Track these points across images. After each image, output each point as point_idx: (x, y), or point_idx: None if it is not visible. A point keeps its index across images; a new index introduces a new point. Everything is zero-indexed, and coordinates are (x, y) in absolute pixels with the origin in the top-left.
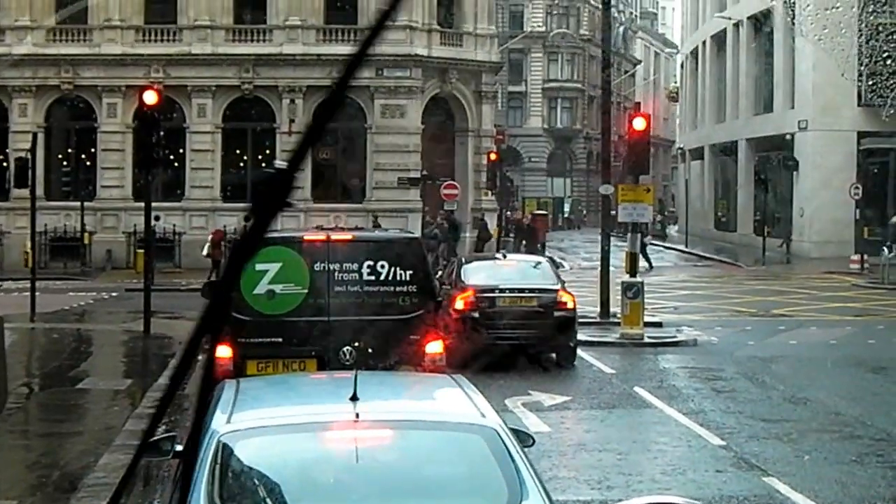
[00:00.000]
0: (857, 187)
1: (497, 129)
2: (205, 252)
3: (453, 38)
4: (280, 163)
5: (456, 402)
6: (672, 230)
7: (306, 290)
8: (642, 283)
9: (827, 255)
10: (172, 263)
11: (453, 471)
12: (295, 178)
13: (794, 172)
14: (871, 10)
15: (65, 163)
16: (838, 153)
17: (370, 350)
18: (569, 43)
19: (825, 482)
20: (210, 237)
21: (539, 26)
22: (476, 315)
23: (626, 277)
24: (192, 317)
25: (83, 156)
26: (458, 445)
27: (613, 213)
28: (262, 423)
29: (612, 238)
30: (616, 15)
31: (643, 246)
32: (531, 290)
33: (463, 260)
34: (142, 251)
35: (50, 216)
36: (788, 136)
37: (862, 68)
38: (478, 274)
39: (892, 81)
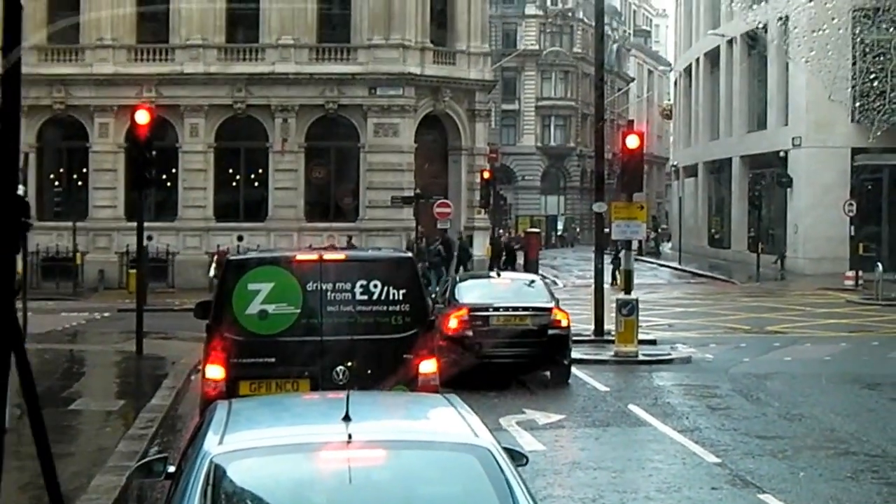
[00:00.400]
0: (851, 204)
1: (490, 147)
2: (212, 273)
3: (446, 57)
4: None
5: (449, 421)
6: (666, 247)
7: (299, 310)
8: (637, 300)
9: (821, 271)
10: (165, 283)
11: (447, 491)
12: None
13: (788, 189)
14: (860, 28)
15: (56, 183)
16: (832, 170)
17: (363, 370)
18: (562, 61)
19: (820, 499)
20: (215, 258)
21: (532, 44)
22: (470, 333)
23: (621, 295)
24: (186, 337)
25: (75, 176)
26: (452, 465)
27: (607, 230)
28: (255, 444)
29: (606, 256)
30: (609, 33)
31: (617, 262)
32: (525, 309)
33: (457, 278)
34: (134, 271)
35: (42, 236)
36: (782, 153)
37: (855, 86)
38: (472, 292)
39: (878, 103)
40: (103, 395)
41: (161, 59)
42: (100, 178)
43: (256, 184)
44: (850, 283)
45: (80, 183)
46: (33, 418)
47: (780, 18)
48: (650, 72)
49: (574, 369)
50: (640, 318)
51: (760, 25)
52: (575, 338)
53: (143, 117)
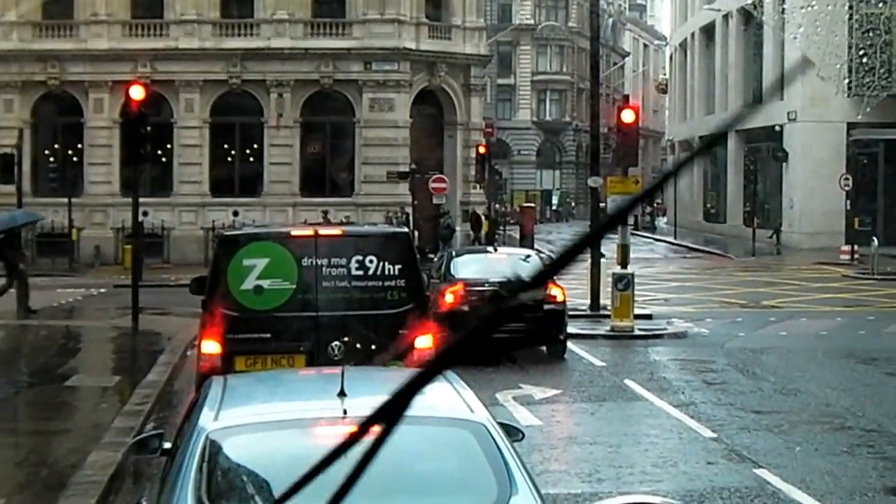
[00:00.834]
0: (846, 178)
1: (486, 122)
2: None
3: (442, 32)
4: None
5: (445, 397)
6: (661, 222)
7: (294, 286)
8: (632, 275)
9: (817, 245)
10: (161, 259)
11: (442, 466)
12: None
13: (784, 164)
14: (852, 4)
15: (51, 158)
16: (827, 144)
17: (358, 345)
18: (558, 35)
19: (816, 473)
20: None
21: (528, 19)
22: (466, 308)
23: (617, 269)
24: (181, 312)
25: (70, 151)
26: (447, 441)
27: (603, 205)
28: (250, 419)
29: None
30: (605, 7)
31: None
32: None
33: (453, 253)
34: (130, 247)
35: (37, 212)
36: (777, 128)
37: (850, 60)
38: (467, 267)
39: (868, 78)
40: (99, 371)
41: (156, 35)
42: (95, 154)
43: (251, 159)
44: (845, 257)
45: (75, 159)
46: None
47: None
48: (645, 46)
49: (570, 344)
50: (635, 292)
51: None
52: (571, 313)
53: (137, 93)
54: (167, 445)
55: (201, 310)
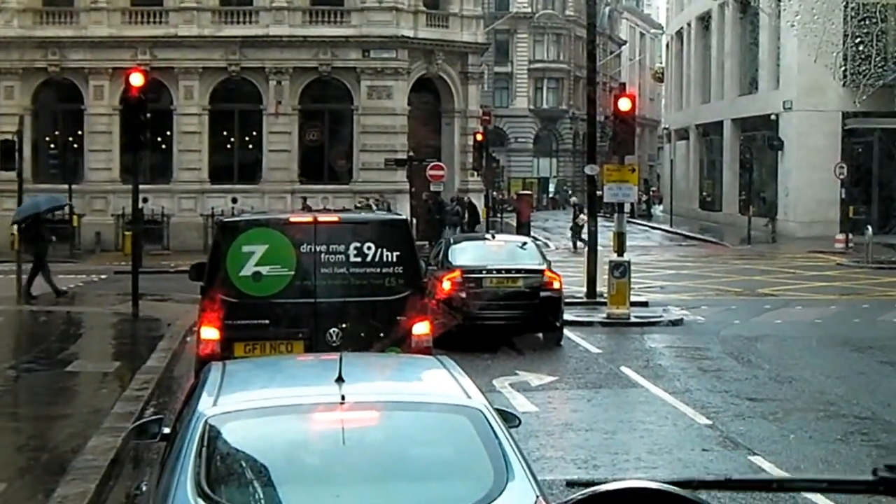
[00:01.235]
0: (841, 167)
1: (483, 109)
2: None
3: (439, 20)
4: None
5: (441, 383)
6: (657, 210)
7: (293, 272)
8: (629, 262)
9: (812, 234)
10: (161, 245)
11: (439, 452)
12: None
13: (779, 152)
14: None
15: (52, 145)
16: (823, 133)
17: (356, 332)
18: (554, 24)
19: (810, 461)
20: None
21: (525, 7)
22: (463, 295)
23: (613, 257)
24: (181, 298)
25: (70, 138)
26: (444, 426)
27: (599, 193)
28: (249, 405)
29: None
30: None
31: (578, 226)
32: (518, 271)
33: (451, 240)
34: (130, 233)
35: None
36: (773, 117)
37: (847, 49)
38: (465, 254)
39: (864, 67)
40: (100, 357)
41: (155, 22)
42: (95, 141)
43: (251, 146)
44: (840, 245)
45: (75, 145)
46: None
47: None
48: (642, 35)
49: (566, 331)
50: (632, 280)
51: None
52: (567, 300)
53: (137, 80)
54: (166, 430)
55: (200, 296)
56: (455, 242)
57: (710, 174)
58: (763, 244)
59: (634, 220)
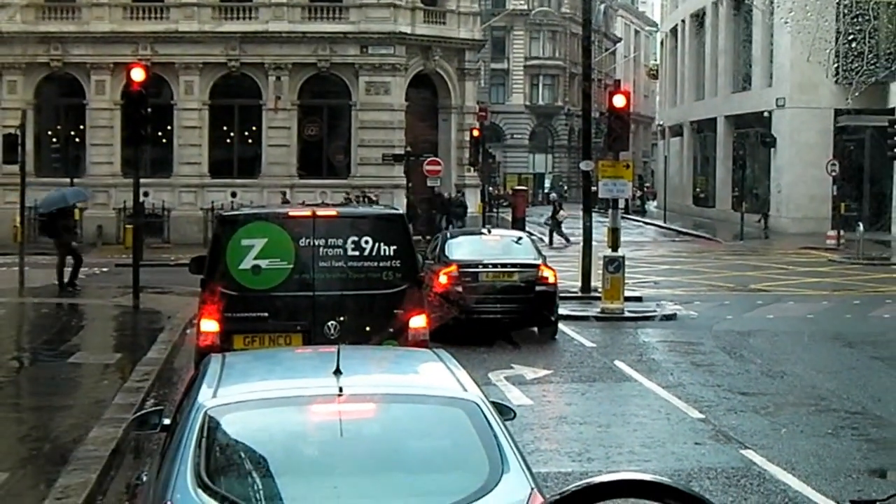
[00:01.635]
0: (833, 164)
1: (480, 105)
2: None
3: (437, 16)
4: None
5: (438, 375)
6: (651, 206)
7: (292, 266)
8: (623, 257)
9: (804, 230)
10: (161, 239)
11: (435, 444)
12: None
13: (772, 149)
14: None
15: (54, 139)
16: (815, 130)
17: (354, 325)
18: (550, 21)
19: (801, 455)
20: None
21: (521, 4)
22: (459, 290)
23: (608, 252)
24: (181, 291)
25: (72, 132)
26: (440, 419)
27: (594, 188)
28: (248, 396)
29: (594, 213)
30: None
31: (557, 223)
32: (513, 265)
33: (448, 234)
34: (131, 227)
35: (39, 192)
36: (766, 113)
37: (839, 46)
38: (461, 249)
39: (856, 64)
40: (101, 349)
41: (156, 18)
42: (96, 135)
43: (250, 141)
44: (832, 242)
45: (77, 140)
46: None
47: None
48: (637, 32)
49: (561, 325)
50: (626, 275)
51: None
52: (562, 294)
53: (138, 75)
54: (167, 422)
55: (200, 289)
56: (452, 237)
57: (704, 170)
58: (755, 240)
59: (629, 216)
